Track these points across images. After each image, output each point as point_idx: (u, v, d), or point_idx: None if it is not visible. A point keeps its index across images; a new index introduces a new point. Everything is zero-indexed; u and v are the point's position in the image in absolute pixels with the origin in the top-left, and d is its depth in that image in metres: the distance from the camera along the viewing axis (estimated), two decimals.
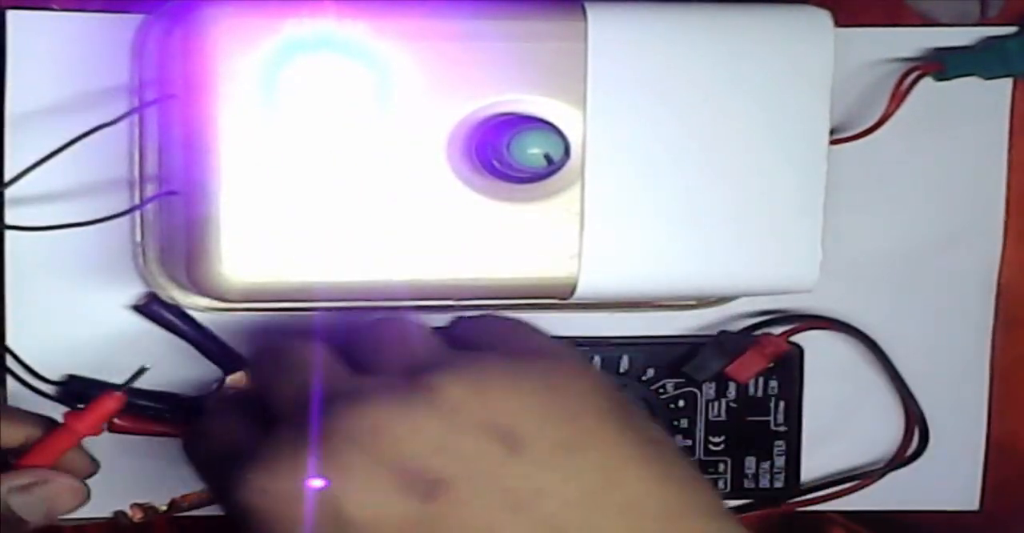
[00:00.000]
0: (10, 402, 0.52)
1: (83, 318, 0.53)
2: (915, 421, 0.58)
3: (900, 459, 0.58)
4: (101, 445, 0.52)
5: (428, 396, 0.43)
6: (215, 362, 0.54)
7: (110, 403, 0.49)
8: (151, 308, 0.53)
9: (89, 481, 0.50)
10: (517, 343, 0.47)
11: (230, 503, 0.43)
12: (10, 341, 0.52)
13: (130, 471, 0.54)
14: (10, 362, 0.52)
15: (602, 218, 0.49)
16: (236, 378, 0.53)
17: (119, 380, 0.51)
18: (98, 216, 0.50)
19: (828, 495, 0.58)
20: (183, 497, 0.55)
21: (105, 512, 0.55)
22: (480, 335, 0.48)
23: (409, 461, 0.42)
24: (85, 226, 0.49)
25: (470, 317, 0.50)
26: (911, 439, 0.58)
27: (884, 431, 0.58)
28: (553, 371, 0.45)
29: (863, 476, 0.58)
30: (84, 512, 0.51)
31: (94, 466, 0.51)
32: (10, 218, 0.51)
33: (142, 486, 0.55)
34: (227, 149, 0.46)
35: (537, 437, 0.42)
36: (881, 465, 0.58)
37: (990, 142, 0.57)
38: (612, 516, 0.42)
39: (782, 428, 0.57)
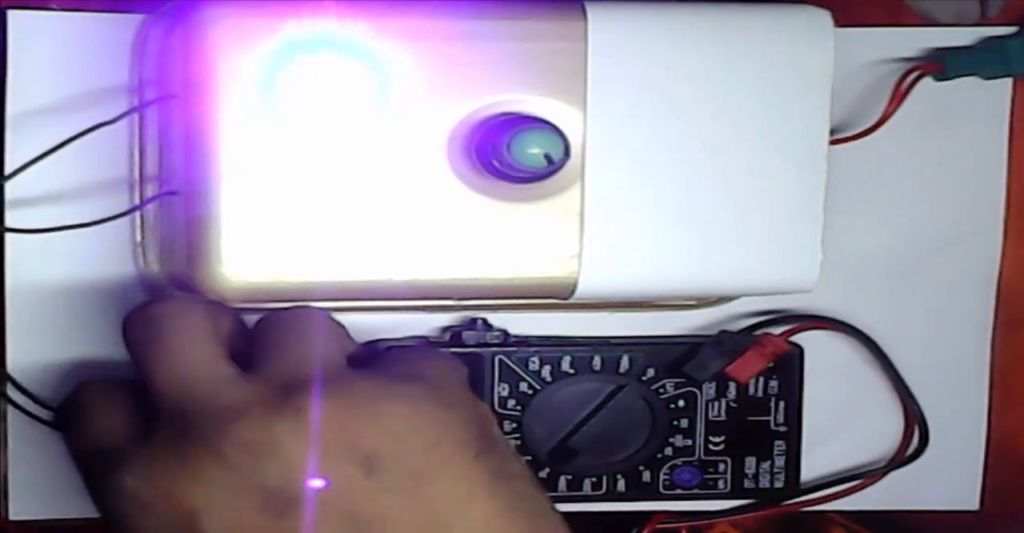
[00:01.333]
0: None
1: (83, 318, 0.53)
2: (915, 421, 0.58)
3: (900, 459, 0.58)
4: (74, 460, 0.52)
5: (296, 414, 0.43)
6: None
7: None
8: None
9: (61, 495, 0.52)
10: (404, 367, 0.47)
11: (98, 499, 0.45)
12: (10, 341, 0.52)
13: None
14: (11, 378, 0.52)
15: (602, 218, 0.49)
16: None
17: (117, 372, 0.51)
18: (98, 217, 0.50)
19: (828, 495, 0.58)
20: None
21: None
22: (381, 356, 0.49)
23: (269, 479, 0.42)
24: (85, 227, 0.49)
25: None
26: (911, 439, 0.58)
27: (884, 431, 0.58)
28: (423, 398, 0.45)
29: (863, 476, 0.58)
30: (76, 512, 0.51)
31: None
32: (10, 219, 0.51)
33: None
34: (227, 149, 0.46)
35: (393, 463, 0.43)
36: (881, 465, 0.58)
37: (990, 142, 0.57)
38: None
39: (782, 428, 0.57)
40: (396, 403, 0.44)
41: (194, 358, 0.45)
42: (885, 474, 0.58)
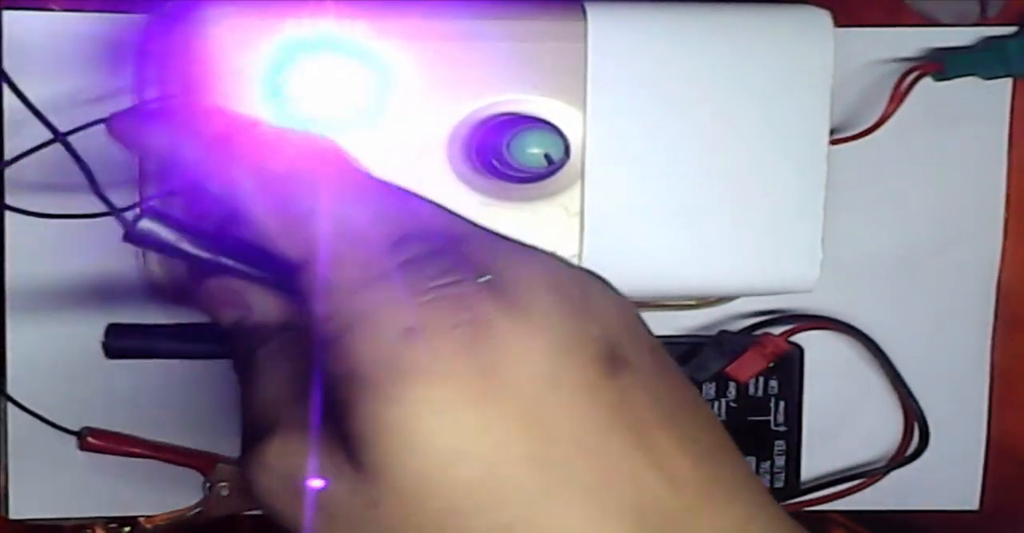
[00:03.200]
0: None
1: (84, 318, 0.53)
2: (915, 421, 0.58)
3: (900, 459, 0.58)
4: (74, 461, 0.52)
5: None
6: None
7: None
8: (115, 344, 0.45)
9: (61, 495, 0.51)
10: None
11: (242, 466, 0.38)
12: (10, 341, 0.52)
13: (104, 487, 0.54)
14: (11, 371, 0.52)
15: (602, 218, 0.49)
16: None
17: (119, 378, 0.51)
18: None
19: (828, 495, 0.58)
20: (148, 519, 0.55)
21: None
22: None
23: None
24: (86, 218, 0.49)
25: None
26: (911, 439, 0.58)
27: (884, 431, 0.59)
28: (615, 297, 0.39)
29: (863, 476, 0.58)
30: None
31: None
32: (10, 219, 0.51)
33: (114, 503, 0.55)
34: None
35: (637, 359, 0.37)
36: (881, 465, 0.58)
37: (990, 142, 0.57)
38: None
39: (782, 428, 0.57)
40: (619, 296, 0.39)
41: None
42: (885, 474, 0.58)
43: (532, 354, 0.36)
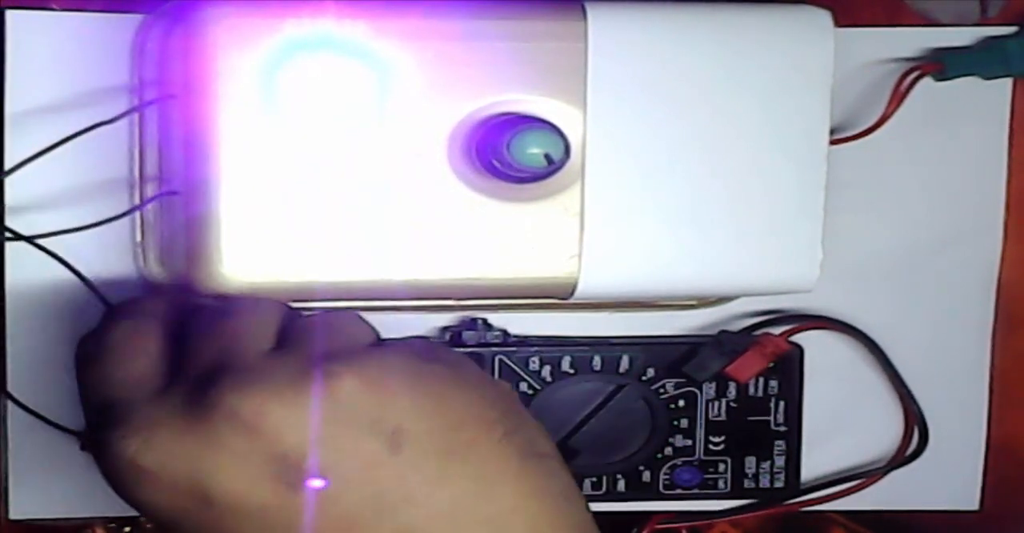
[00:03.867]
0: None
1: (84, 318, 0.53)
2: (915, 421, 0.58)
3: (900, 459, 0.58)
4: (74, 461, 0.52)
5: (323, 385, 0.42)
6: None
7: None
8: None
9: (61, 495, 0.52)
10: (423, 349, 0.46)
11: (99, 455, 0.43)
12: (10, 341, 0.52)
13: (104, 487, 0.54)
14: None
15: (602, 218, 0.49)
16: None
17: None
18: (98, 217, 0.50)
19: (828, 495, 0.58)
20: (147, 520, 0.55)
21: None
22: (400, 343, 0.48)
23: (287, 449, 0.41)
24: (84, 230, 0.49)
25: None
26: (911, 439, 0.58)
27: (884, 431, 0.58)
28: (449, 378, 0.44)
29: (863, 476, 0.58)
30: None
31: None
32: (10, 221, 0.51)
33: (114, 503, 0.55)
34: (227, 149, 0.46)
35: (420, 441, 0.42)
36: (881, 465, 0.58)
37: (990, 142, 0.57)
38: (477, 530, 0.42)
39: (782, 428, 0.57)
40: (423, 381, 0.43)
41: (235, 330, 0.44)
42: (885, 474, 0.58)
43: None
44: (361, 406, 0.42)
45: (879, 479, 0.58)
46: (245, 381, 0.42)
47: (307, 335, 0.45)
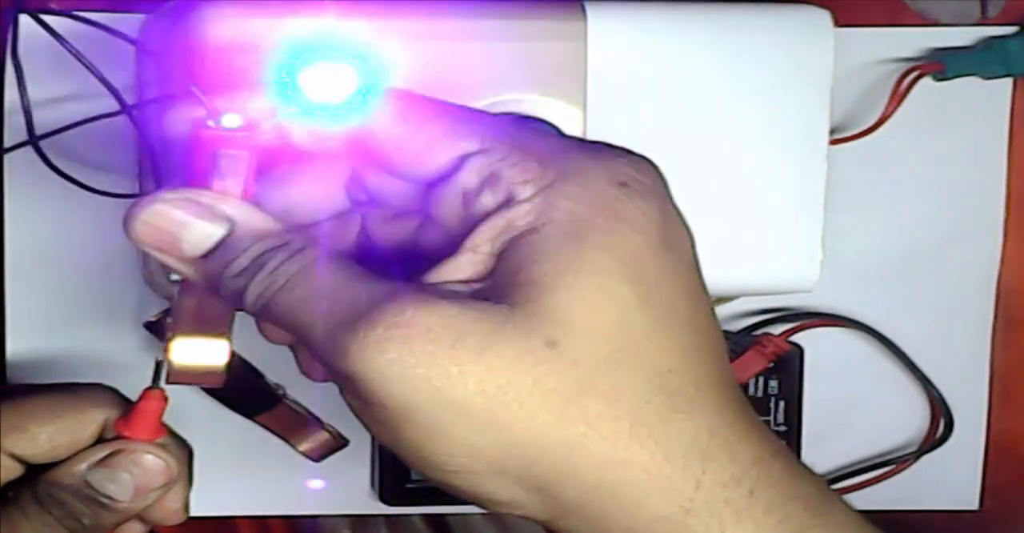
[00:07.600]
0: None
1: (84, 318, 0.53)
2: (938, 408, 0.58)
3: (930, 443, 0.58)
4: None
5: None
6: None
7: (154, 403, 0.44)
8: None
9: None
10: None
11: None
12: (10, 341, 0.52)
13: None
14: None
15: None
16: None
17: (119, 378, 0.50)
18: (99, 217, 0.50)
19: None
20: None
21: None
22: None
23: None
24: (89, 191, 0.49)
25: None
26: (937, 425, 0.58)
27: (884, 430, 0.59)
28: None
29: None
30: None
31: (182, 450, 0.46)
32: (11, 220, 0.51)
33: None
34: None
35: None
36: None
37: (990, 142, 0.57)
38: None
39: (782, 428, 0.57)
40: None
41: None
42: (917, 459, 0.58)
43: None
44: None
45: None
46: None
47: None
